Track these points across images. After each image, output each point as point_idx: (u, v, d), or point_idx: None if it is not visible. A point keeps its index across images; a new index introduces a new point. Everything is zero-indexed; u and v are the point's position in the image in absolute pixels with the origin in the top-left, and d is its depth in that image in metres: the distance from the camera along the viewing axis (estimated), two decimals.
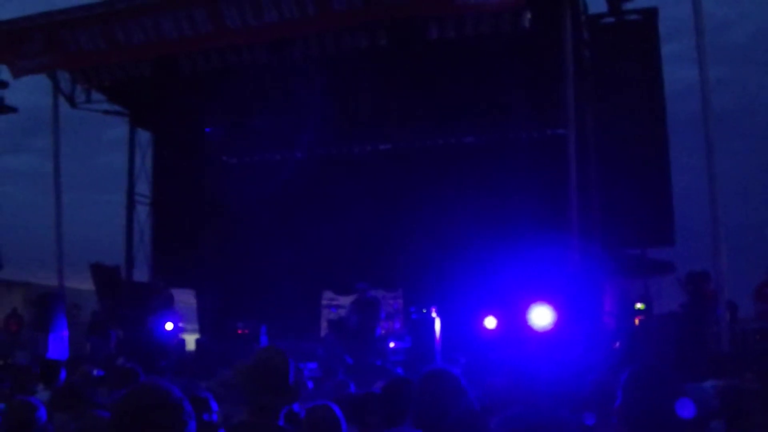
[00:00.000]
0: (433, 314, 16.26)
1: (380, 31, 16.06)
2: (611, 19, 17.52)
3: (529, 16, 15.13)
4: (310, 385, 9.91)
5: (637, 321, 15.26)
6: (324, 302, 22.17)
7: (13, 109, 21.21)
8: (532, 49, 16.16)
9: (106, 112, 20.95)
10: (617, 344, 14.25)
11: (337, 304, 20.97)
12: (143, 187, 22.05)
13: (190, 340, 19.55)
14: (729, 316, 13.90)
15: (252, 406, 4.29)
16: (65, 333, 17.49)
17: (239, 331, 17.48)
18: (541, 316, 13.45)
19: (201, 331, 21.25)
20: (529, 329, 13.45)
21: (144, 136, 22.01)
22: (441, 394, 4.10)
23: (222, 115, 20.35)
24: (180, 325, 18.66)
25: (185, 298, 22.23)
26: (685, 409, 2.96)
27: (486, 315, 16.27)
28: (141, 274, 21.26)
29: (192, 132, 21.64)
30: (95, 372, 10.18)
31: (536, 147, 19.08)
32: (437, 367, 4.35)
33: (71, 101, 19.60)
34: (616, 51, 17.34)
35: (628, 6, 17.24)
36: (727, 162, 17.34)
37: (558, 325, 13.29)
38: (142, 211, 21.92)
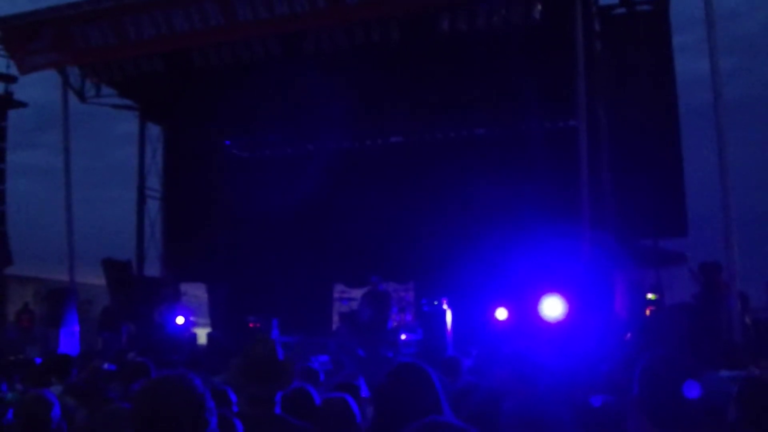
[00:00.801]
0: (445, 306, 16.24)
1: (392, 24, 16.01)
2: (622, 10, 17.42)
3: (540, 8, 15.12)
4: (322, 377, 9.89)
5: (648, 312, 15.22)
6: (335, 295, 22.18)
7: (22, 104, 21.24)
8: (543, 40, 16.10)
9: (116, 106, 20.95)
10: (629, 335, 14.22)
11: (348, 296, 20.98)
12: (154, 182, 22.07)
13: (202, 335, 19.59)
14: (741, 307, 13.85)
15: (246, 398, 4.33)
16: (76, 328, 17.54)
17: (251, 325, 17.51)
18: (553, 307, 13.43)
19: (212, 325, 21.30)
20: (541, 320, 13.44)
21: (154, 130, 22.02)
22: (406, 391, 4.03)
23: (233, 109, 20.31)
24: (191, 319, 18.70)
25: (197, 293, 22.28)
26: (692, 390, 2.94)
27: (497, 306, 16.28)
28: (152, 269, 21.29)
29: (203, 126, 21.63)
30: (106, 366, 10.18)
31: (548, 138, 19.08)
32: (406, 363, 4.27)
33: (81, 96, 19.60)
34: (627, 42, 17.25)
35: None
36: (739, 152, 17.27)
37: (569, 316, 13.27)
38: (153, 206, 21.94)
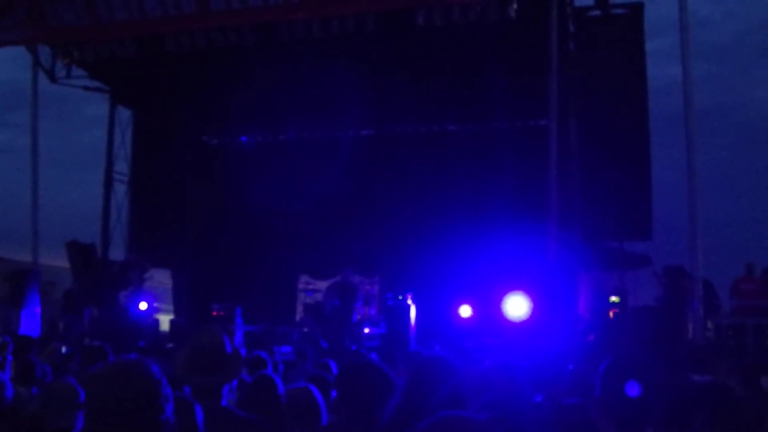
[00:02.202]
0: (409, 301, 16.28)
1: (368, 16, 15.99)
2: (597, 12, 17.54)
3: (515, 6, 15.13)
4: (281, 368, 9.88)
5: (611, 314, 15.34)
6: (300, 286, 22.14)
7: None
8: (518, 39, 16.13)
9: (87, 88, 20.70)
10: (591, 336, 14.31)
11: (313, 288, 20.93)
12: (122, 166, 21.88)
13: (165, 321, 19.48)
14: (706, 296, 14.01)
15: (192, 389, 4.20)
16: (38, 309, 17.35)
17: (214, 313, 17.46)
18: (517, 306, 13.47)
19: (176, 311, 21.18)
20: (504, 319, 13.48)
21: (124, 114, 21.82)
22: (364, 388, 4.03)
23: (204, 95, 20.19)
24: (155, 305, 18.58)
25: (161, 278, 22.14)
26: (633, 390, 2.96)
27: (462, 303, 16.32)
28: (117, 252, 21.13)
29: (173, 111, 21.46)
30: (64, 350, 10.10)
31: (518, 137, 19.14)
32: (363, 360, 4.27)
33: (51, 76, 19.36)
34: (601, 44, 17.37)
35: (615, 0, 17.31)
36: (707, 159, 17.41)
37: (533, 315, 13.32)
38: (120, 190, 21.76)
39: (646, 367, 3.15)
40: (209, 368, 4.19)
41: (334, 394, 6.04)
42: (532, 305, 13.42)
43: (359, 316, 17.25)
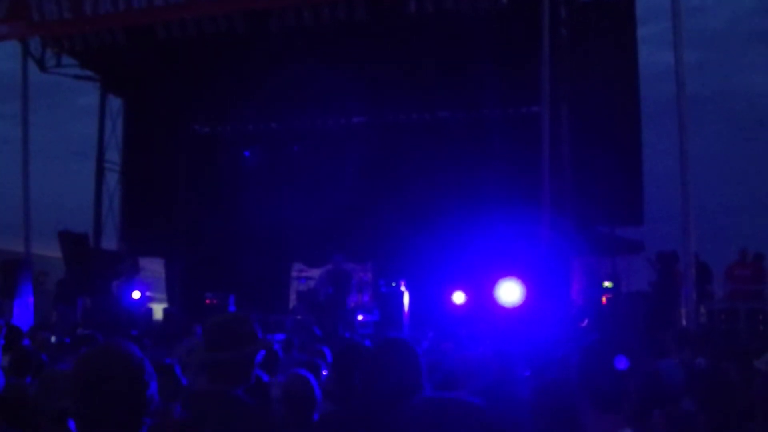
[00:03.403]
0: (402, 288, 16.29)
1: (359, 4, 15.93)
2: None
3: None
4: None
5: (604, 299, 15.37)
6: (293, 274, 22.14)
7: None
8: (510, 26, 16.11)
9: (77, 77, 20.65)
10: (585, 321, 14.34)
11: (306, 275, 20.94)
12: (114, 155, 21.83)
13: (158, 310, 19.47)
14: (701, 277, 14.09)
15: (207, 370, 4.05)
16: (30, 299, 17.34)
17: (207, 302, 17.47)
18: (510, 292, 13.49)
19: (169, 300, 21.17)
20: (497, 305, 13.50)
21: (115, 103, 21.76)
22: (395, 364, 3.96)
23: (195, 83, 20.14)
24: (148, 294, 18.57)
25: (154, 267, 22.13)
26: (621, 363, 2.96)
27: (455, 290, 16.34)
28: (109, 242, 21.09)
29: (164, 99, 21.40)
30: (54, 340, 10.10)
31: (510, 124, 19.14)
32: (395, 336, 4.21)
33: (41, 65, 19.29)
34: (592, 31, 17.33)
35: None
36: (700, 145, 17.43)
37: (526, 300, 13.34)
38: (112, 179, 21.72)
39: (628, 344, 3.14)
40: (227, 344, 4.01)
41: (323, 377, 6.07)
42: (525, 291, 13.45)
43: (352, 304, 17.27)
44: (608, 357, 2.98)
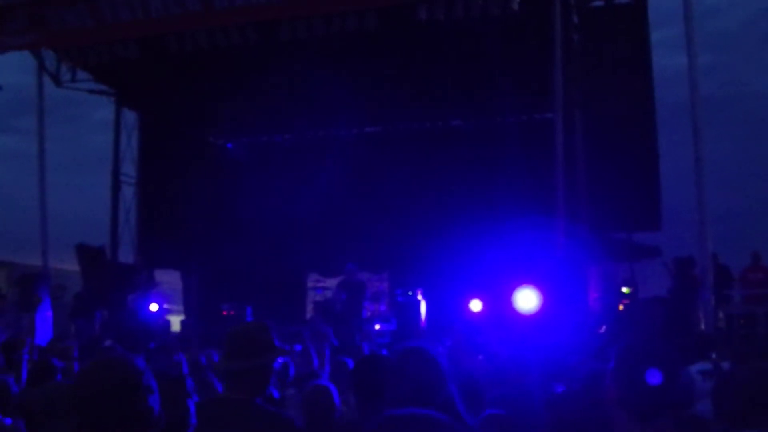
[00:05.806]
0: (419, 297, 16.26)
1: (370, 13, 15.94)
2: (601, 3, 17.49)
3: None
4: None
5: (622, 305, 15.31)
6: (310, 284, 22.15)
7: None
8: (521, 32, 16.10)
9: (92, 91, 20.76)
10: (603, 328, 14.28)
11: (323, 285, 20.96)
12: (129, 168, 21.92)
13: (176, 322, 19.51)
14: (720, 280, 14.05)
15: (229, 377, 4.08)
16: (49, 313, 17.38)
17: (224, 313, 17.49)
18: (527, 300, 13.43)
19: (186, 312, 21.20)
20: (515, 312, 13.45)
21: (130, 116, 21.86)
22: (420, 372, 3.97)
23: (208, 96, 20.19)
24: (165, 306, 18.60)
25: (170, 280, 22.17)
26: (654, 377, 2.94)
27: (472, 298, 16.29)
28: (126, 255, 21.16)
29: (179, 113, 21.47)
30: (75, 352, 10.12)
31: (524, 131, 19.12)
32: (418, 344, 4.21)
33: (56, 80, 19.38)
34: (605, 35, 17.28)
35: None
36: (714, 148, 17.33)
37: (543, 308, 13.29)
38: (128, 192, 21.80)
39: (662, 354, 3.12)
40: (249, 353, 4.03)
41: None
42: (542, 298, 13.40)
43: (369, 313, 17.25)
44: (643, 369, 2.97)
